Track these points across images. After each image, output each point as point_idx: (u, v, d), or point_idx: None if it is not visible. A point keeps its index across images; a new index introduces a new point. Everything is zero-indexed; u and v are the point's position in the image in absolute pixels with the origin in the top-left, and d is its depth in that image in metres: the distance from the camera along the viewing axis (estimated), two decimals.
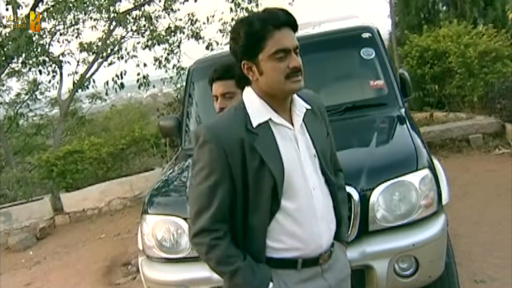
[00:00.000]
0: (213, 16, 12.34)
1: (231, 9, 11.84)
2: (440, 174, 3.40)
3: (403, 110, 4.11)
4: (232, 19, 12.05)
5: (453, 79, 8.86)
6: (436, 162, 3.46)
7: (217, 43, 12.46)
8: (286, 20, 1.81)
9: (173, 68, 12.64)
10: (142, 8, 12.17)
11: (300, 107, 1.93)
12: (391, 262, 3.01)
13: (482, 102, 8.74)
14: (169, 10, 12.31)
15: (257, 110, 1.86)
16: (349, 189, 3.08)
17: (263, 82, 1.84)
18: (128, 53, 11.84)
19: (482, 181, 6.35)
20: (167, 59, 12.60)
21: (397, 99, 4.20)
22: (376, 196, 3.06)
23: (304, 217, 1.86)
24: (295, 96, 1.92)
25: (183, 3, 12.01)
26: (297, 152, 1.87)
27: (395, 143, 3.60)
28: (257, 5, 11.48)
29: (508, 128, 7.70)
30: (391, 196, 3.10)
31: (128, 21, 11.60)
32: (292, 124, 1.89)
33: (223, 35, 12.65)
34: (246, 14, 11.75)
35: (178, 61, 12.60)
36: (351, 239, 3.07)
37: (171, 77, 12.95)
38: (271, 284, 1.86)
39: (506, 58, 8.63)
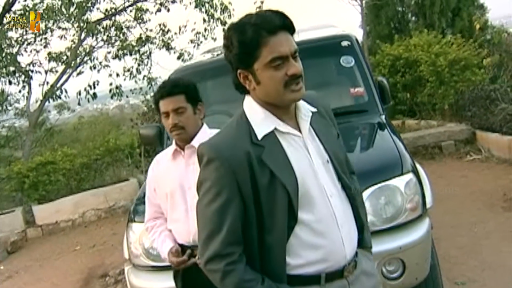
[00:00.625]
0: (185, 26, 12.32)
1: (204, 20, 11.82)
2: (423, 178, 3.47)
3: (383, 117, 4.20)
4: (205, 30, 12.06)
5: (424, 87, 9.06)
6: (419, 167, 3.53)
7: (189, 54, 12.45)
8: (281, 24, 1.68)
9: (143, 78, 12.53)
10: (113, 18, 12.08)
11: (305, 111, 1.81)
12: (379, 265, 3.04)
13: (453, 110, 8.96)
14: (140, 20, 12.24)
15: (261, 120, 1.74)
16: None
17: (261, 92, 1.73)
18: (100, 63, 11.71)
19: (456, 187, 6.47)
20: (138, 70, 12.49)
21: (377, 106, 4.28)
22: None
23: (325, 227, 1.75)
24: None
25: (155, 13, 11.96)
26: (309, 160, 1.76)
27: (379, 148, 3.67)
28: (230, 16, 11.49)
29: (479, 134, 7.89)
30: (377, 200, 3.15)
31: (98, 30, 11.48)
32: (300, 131, 1.79)
33: (194, 46, 12.63)
34: (219, 25, 11.82)
35: (149, 72, 12.51)
36: None
37: (141, 88, 12.81)
38: None
39: (474, 66, 8.87)
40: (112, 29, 11.97)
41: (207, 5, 11.53)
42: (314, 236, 1.73)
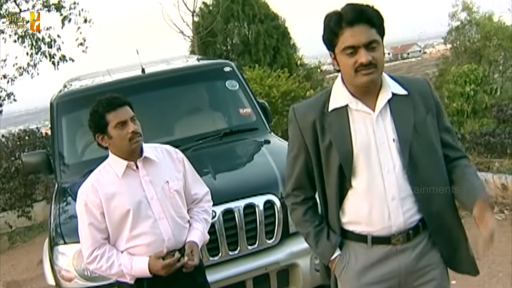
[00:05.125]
0: (5, 61, 11.38)
1: (27, 54, 11.07)
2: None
3: (272, 133, 4.61)
4: (28, 64, 11.27)
5: None
6: None
7: (5, 90, 11.49)
8: (357, 17, 1.88)
9: None
10: None
11: (387, 92, 2.01)
12: (311, 259, 3.39)
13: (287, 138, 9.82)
14: None
15: (338, 95, 2.03)
16: (271, 197, 3.44)
17: (342, 72, 2.00)
18: None
19: None
20: None
21: (265, 124, 4.65)
22: None
23: (371, 197, 1.99)
24: (385, 81, 2.01)
25: None
26: (372, 136, 1.98)
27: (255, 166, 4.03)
28: (59, 49, 10.97)
29: None
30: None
31: None
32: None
33: (7, 81, 11.68)
34: (46, 58, 11.15)
35: None
36: (275, 243, 3.45)
37: None
38: (336, 253, 2.09)
39: (302, 97, 9.90)
40: None
41: (30, 38, 10.85)
42: (360, 202, 2.01)
